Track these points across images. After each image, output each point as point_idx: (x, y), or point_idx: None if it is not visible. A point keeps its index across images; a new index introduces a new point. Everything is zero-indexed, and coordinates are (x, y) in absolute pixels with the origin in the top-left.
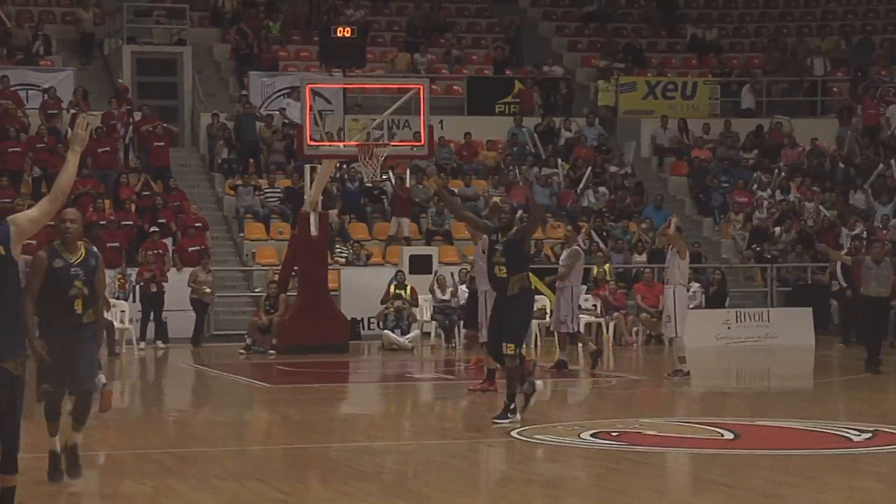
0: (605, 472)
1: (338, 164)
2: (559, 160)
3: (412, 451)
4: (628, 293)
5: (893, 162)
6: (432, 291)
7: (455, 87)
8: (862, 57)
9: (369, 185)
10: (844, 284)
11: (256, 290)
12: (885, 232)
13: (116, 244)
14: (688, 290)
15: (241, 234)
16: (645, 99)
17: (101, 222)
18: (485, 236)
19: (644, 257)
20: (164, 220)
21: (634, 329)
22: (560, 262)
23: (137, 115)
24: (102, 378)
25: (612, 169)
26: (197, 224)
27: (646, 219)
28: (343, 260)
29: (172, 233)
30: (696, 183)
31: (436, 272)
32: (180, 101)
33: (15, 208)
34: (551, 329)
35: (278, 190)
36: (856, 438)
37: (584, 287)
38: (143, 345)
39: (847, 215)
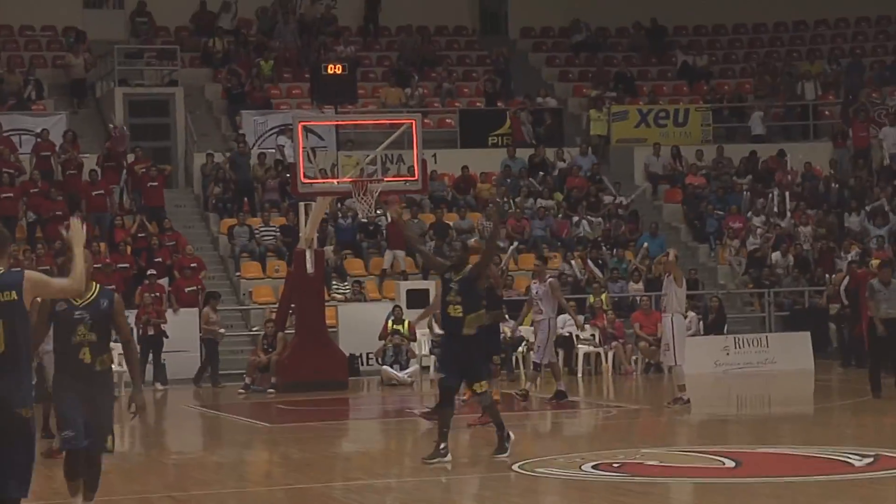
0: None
1: (332, 201)
2: (548, 189)
3: (413, 488)
4: (626, 322)
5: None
6: (430, 327)
7: (447, 121)
8: (852, 80)
9: (364, 220)
10: (847, 302)
11: (254, 328)
12: (884, 251)
13: (112, 287)
14: (685, 318)
15: (238, 273)
16: (637, 127)
17: (97, 266)
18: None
19: (641, 286)
20: (160, 259)
21: (633, 358)
22: (534, 294)
23: (131, 157)
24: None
25: (607, 199)
26: (193, 265)
27: (642, 245)
28: (341, 297)
29: (169, 274)
30: (691, 209)
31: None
32: (173, 141)
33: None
34: (544, 363)
35: (274, 228)
36: (857, 464)
37: (583, 317)
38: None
39: (842, 238)
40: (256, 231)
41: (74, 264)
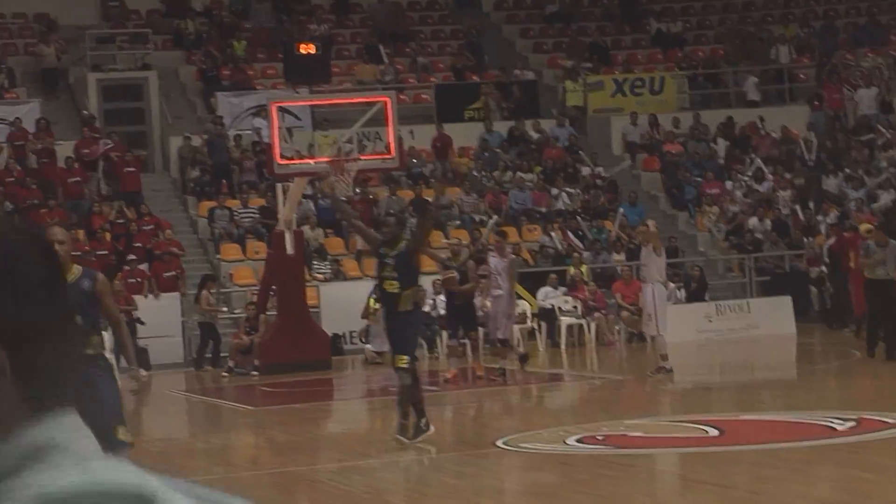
0: (591, 477)
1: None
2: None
3: (399, 467)
4: (607, 293)
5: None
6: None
7: (423, 96)
8: (826, 42)
9: (343, 199)
10: (828, 261)
11: (236, 311)
12: (868, 215)
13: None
14: (666, 287)
15: (218, 256)
16: (613, 97)
17: (76, 253)
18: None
19: (623, 256)
20: (139, 245)
21: (616, 328)
22: (493, 268)
23: (106, 143)
24: None
25: (585, 170)
26: (172, 249)
27: (621, 215)
28: (322, 277)
29: (149, 259)
30: (669, 178)
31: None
32: (148, 125)
33: None
34: (490, 337)
35: (252, 209)
36: (839, 427)
37: (563, 289)
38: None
39: (820, 201)
40: (235, 213)
41: None
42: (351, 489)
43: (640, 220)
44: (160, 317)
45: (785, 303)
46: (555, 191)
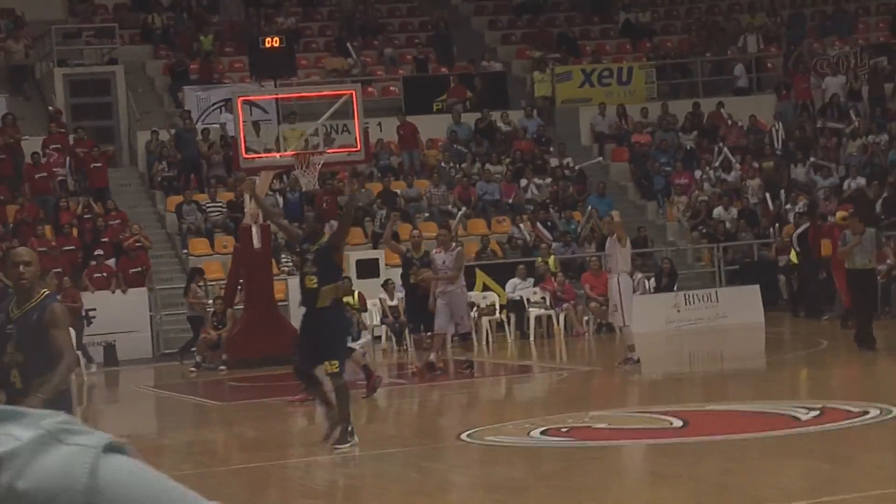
0: (554, 471)
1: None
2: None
3: (363, 461)
4: (576, 284)
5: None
6: (382, 301)
7: (392, 88)
8: (794, 31)
9: (309, 192)
10: (799, 250)
11: (207, 307)
12: (845, 204)
13: (59, 270)
14: (632, 277)
15: (186, 251)
16: (581, 87)
17: (42, 249)
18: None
19: (594, 247)
20: (106, 240)
21: (585, 319)
22: (439, 264)
23: (72, 138)
24: None
25: (553, 162)
26: (138, 244)
27: (589, 208)
28: (289, 270)
29: (116, 254)
30: (638, 168)
31: (389, 280)
32: (116, 120)
33: None
34: (435, 331)
35: (220, 203)
36: (804, 417)
37: (531, 280)
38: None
39: (789, 190)
40: (203, 207)
41: None
42: (315, 485)
43: (609, 211)
44: (128, 312)
45: (753, 292)
46: (524, 182)
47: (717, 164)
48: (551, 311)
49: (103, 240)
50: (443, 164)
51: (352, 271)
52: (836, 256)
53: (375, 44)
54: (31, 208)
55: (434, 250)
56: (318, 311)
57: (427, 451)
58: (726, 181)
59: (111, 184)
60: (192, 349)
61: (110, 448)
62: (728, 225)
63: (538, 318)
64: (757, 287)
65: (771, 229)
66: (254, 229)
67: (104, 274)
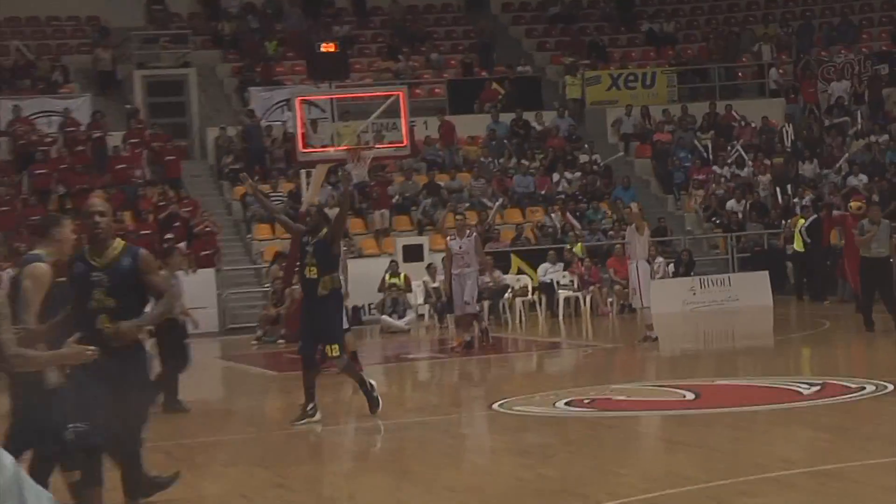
0: (577, 438)
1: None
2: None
3: (403, 428)
4: (602, 268)
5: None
6: (425, 283)
7: (437, 90)
8: (803, 40)
9: (360, 183)
10: (808, 240)
11: (265, 285)
12: (860, 195)
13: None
14: (650, 263)
15: (250, 236)
16: (609, 90)
17: (122, 233)
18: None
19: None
20: (178, 225)
21: (609, 300)
22: (457, 249)
23: (150, 133)
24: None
25: (583, 158)
26: (208, 229)
27: (616, 199)
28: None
29: (188, 238)
30: (659, 164)
31: (431, 264)
32: (188, 117)
33: None
34: (456, 313)
35: (282, 194)
36: (805, 392)
37: (561, 264)
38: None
39: (797, 185)
40: (266, 196)
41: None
42: (356, 449)
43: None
44: (198, 290)
45: (763, 277)
46: (556, 176)
47: (731, 160)
48: (579, 293)
49: (176, 224)
50: (483, 159)
51: (398, 255)
52: (849, 245)
53: (423, 50)
54: (113, 196)
55: (449, 237)
56: (318, 299)
57: (463, 419)
58: (739, 176)
59: (184, 175)
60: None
61: None
62: (740, 216)
63: (567, 300)
64: (766, 273)
65: (780, 221)
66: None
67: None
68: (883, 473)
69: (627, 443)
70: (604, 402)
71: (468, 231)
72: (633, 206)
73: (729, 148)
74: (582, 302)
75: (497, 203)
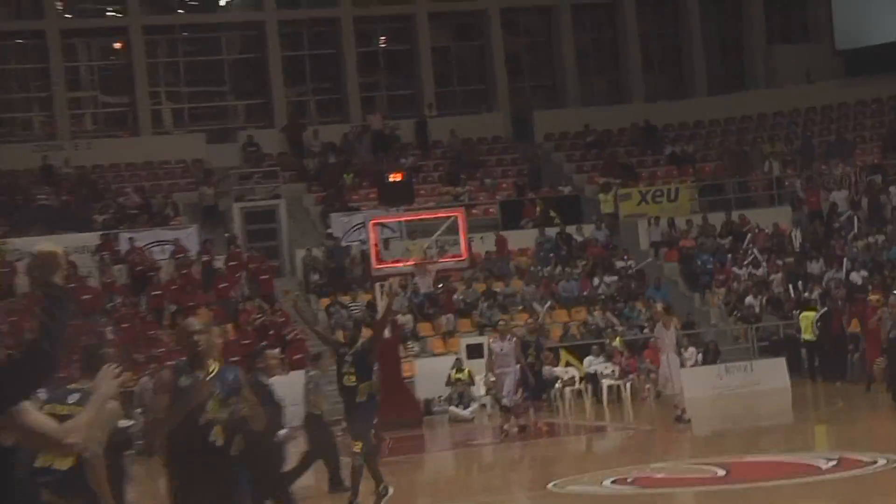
0: None
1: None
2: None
3: None
4: (639, 358)
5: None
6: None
7: (490, 210)
8: (805, 156)
9: (428, 292)
10: (819, 331)
11: None
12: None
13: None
14: (679, 355)
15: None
16: (639, 205)
17: (223, 341)
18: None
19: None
20: (272, 332)
21: (647, 387)
22: (498, 351)
23: (246, 255)
24: None
25: (619, 263)
26: (298, 336)
27: (649, 298)
28: (414, 353)
29: (281, 345)
30: (685, 266)
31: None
32: (279, 241)
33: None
34: (504, 403)
35: (360, 303)
36: (824, 466)
37: (603, 357)
38: None
39: (806, 282)
40: (347, 305)
41: (84, 412)
42: None
43: (663, 301)
44: (291, 389)
45: (780, 363)
46: (596, 280)
47: (747, 261)
48: (620, 382)
49: (270, 332)
50: (532, 268)
51: (462, 353)
52: (867, 330)
53: (477, 175)
54: (217, 311)
55: (490, 338)
56: (357, 404)
57: (521, 500)
58: (755, 275)
59: (276, 290)
60: None
61: None
62: (757, 310)
63: (610, 387)
64: (783, 359)
65: (792, 313)
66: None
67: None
68: None
69: None
70: (645, 480)
71: (509, 336)
72: (659, 305)
73: (746, 250)
74: (623, 389)
75: (546, 306)
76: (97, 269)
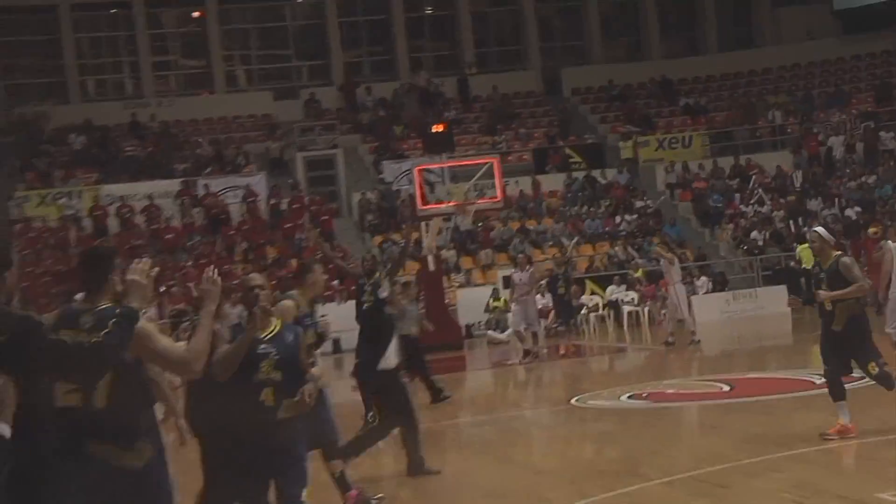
0: (635, 426)
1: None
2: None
3: (500, 420)
4: (656, 287)
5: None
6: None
7: (524, 157)
8: (805, 106)
9: (468, 229)
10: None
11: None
12: (878, 222)
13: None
14: (691, 284)
15: None
16: (656, 151)
17: (289, 274)
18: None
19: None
20: (331, 266)
21: (662, 312)
22: (517, 281)
23: (308, 199)
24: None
25: (638, 203)
26: (354, 269)
27: (665, 233)
28: (457, 283)
29: (339, 277)
30: (697, 205)
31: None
32: (337, 186)
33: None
34: (522, 329)
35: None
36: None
37: (624, 286)
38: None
39: (805, 217)
40: (398, 242)
41: (198, 331)
42: (462, 439)
43: (677, 237)
44: (347, 317)
45: (782, 290)
46: (618, 218)
47: (753, 200)
48: (639, 308)
49: (329, 266)
50: (561, 208)
51: (499, 284)
52: (870, 259)
53: (513, 126)
54: (282, 248)
55: (513, 271)
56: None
57: (546, 413)
58: (760, 212)
59: (336, 228)
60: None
61: None
62: (762, 243)
63: (630, 313)
64: (784, 287)
65: (793, 245)
66: (429, 258)
67: (330, 292)
68: (886, 448)
69: (676, 428)
70: (658, 395)
71: (528, 266)
72: (656, 246)
73: (751, 190)
74: (642, 315)
75: (573, 241)
76: (178, 212)
